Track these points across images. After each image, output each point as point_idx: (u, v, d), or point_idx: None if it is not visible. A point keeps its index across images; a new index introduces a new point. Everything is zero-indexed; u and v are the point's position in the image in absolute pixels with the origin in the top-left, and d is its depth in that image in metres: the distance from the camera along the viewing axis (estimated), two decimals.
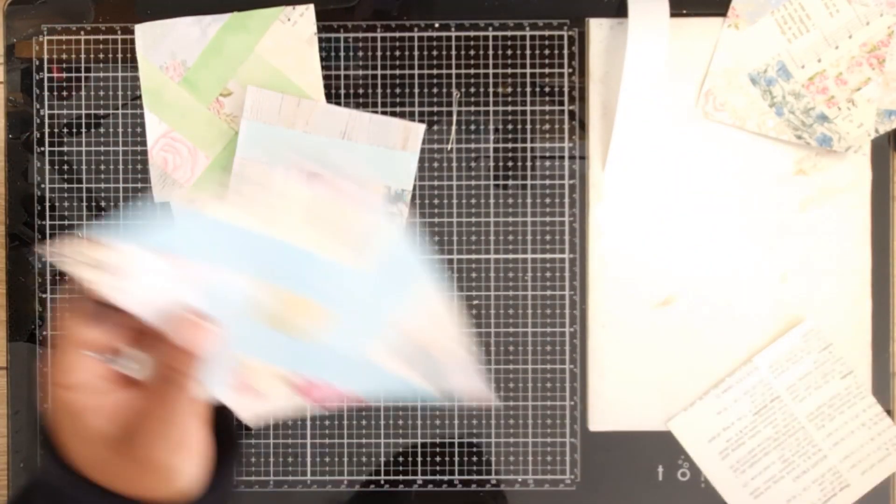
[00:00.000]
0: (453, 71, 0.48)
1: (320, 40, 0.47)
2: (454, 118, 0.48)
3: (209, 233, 0.31)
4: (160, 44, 0.47)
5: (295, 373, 0.34)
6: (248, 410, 0.35)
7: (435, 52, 0.48)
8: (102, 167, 0.48)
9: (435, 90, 0.48)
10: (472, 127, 0.48)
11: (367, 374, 0.35)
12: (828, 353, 0.47)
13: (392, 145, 0.47)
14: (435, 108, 0.48)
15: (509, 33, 0.48)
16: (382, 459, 0.48)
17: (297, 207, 0.32)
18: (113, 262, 0.30)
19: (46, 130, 0.48)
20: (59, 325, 0.31)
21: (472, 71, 0.48)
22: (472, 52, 0.48)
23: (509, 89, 0.48)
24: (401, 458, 0.48)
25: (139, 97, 0.47)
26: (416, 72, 0.48)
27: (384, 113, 0.47)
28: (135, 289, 0.30)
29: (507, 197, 0.48)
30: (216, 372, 0.33)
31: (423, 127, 0.47)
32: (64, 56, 0.48)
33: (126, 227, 0.30)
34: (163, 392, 0.29)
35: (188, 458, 0.30)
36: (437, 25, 0.48)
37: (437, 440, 0.48)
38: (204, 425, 0.31)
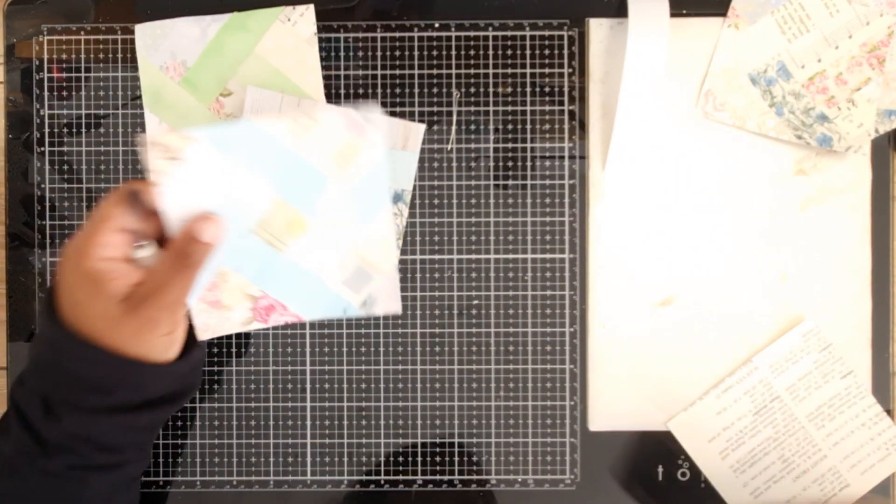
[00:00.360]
0: (453, 71, 0.48)
1: (320, 40, 0.47)
2: (454, 118, 0.48)
3: (254, 141, 0.37)
4: (160, 44, 0.47)
5: (258, 288, 0.41)
6: (204, 323, 0.41)
7: (435, 52, 0.48)
8: (102, 167, 0.48)
9: (435, 90, 0.48)
10: (472, 127, 0.48)
11: (313, 293, 0.41)
12: (828, 354, 0.47)
13: (392, 145, 0.47)
14: (435, 108, 0.48)
15: (509, 33, 0.48)
16: (382, 459, 0.48)
17: (318, 129, 0.38)
18: (181, 150, 0.36)
19: (46, 130, 0.48)
20: (102, 206, 0.35)
21: (472, 71, 0.48)
22: (472, 52, 0.48)
23: (509, 89, 0.48)
24: (401, 458, 0.48)
25: (139, 97, 0.47)
26: (416, 72, 0.48)
27: (384, 113, 0.47)
28: (182, 181, 0.36)
29: (507, 197, 0.48)
30: (198, 280, 0.38)
31: (423, 127, 0.47)
32: (64, 56, 0.48)
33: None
34: (177, 267, 0.35)
35: (178, 326, 0.37)
36: (437, 25, 0.48)
37: (437, 440, 0.48)
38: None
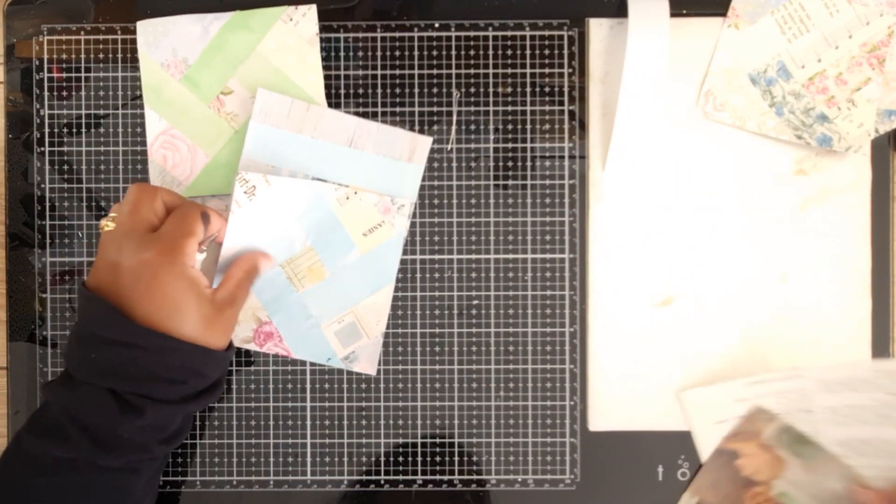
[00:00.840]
0: (453, 71, 0.48)
1: (320, 40, 0.47)
2: (454, 118, 0.48)
3: (309, 197, 0.46)
4: (161, 41, 0.47)
5: (267, 315, 0.47)
6: None
7: (435, 52, 0.48)
8: (102, 167, 0.48)
9: (435, 90, 0.48)
10: (472, 127, 0.48)
11: (308, 335, 0.47)
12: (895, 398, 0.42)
13: (398, 156, 0.47)
14: (435, 108, 0.48)
15: (509, 33, 0.48)
16: (382, 459, 0.48)
17: (358, 202, 0.47)
18: (258, 189, 0.46)
19: (46, 130, 0.48)
20: (187, 221, 0.41)
21: (472, 71, 0.48)
22: (472, 52, 0.48)
23: (509, 89, 0.48)
24: (400, 458, 0.48)
25: (139, 97, 0.47)
26: (416, 72, 0.48)
27: (384, 113, 0.47)
28: (248, 215, 0.45)
29: (507, 197, 0.48)
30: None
31: (430, 140, 0.47)
32: (64, 56, 0.48)
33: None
34: (246, 281, 0.43)
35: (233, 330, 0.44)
36: (437, 25, 0.48)
37: (437, 440, 0.48)
38: None
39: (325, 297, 0.47)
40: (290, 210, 0.46)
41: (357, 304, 0.47)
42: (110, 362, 0.39)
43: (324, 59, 0.47)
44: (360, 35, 0.48)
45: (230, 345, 0.44)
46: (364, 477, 0.48)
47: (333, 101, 0.47)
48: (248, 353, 0.48)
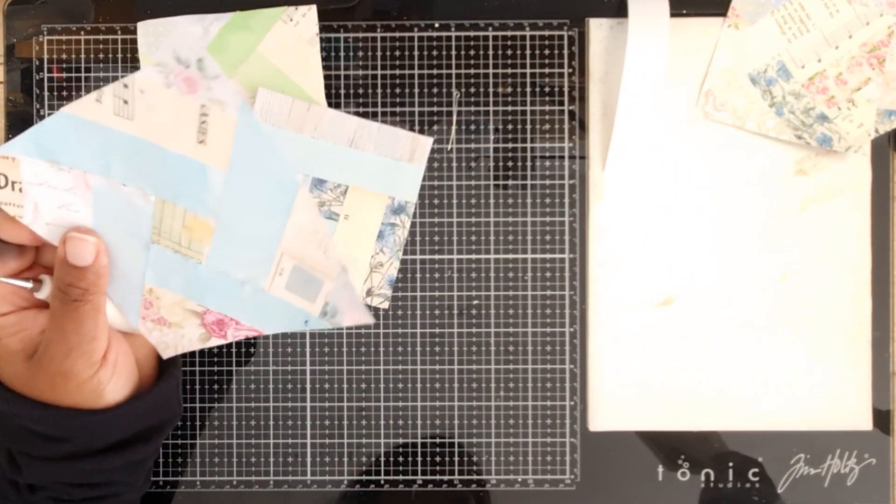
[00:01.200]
0: (453, 71, 0.48)
1: (320, 40, 0.47)
2: (454, 118, 0.48)
3: (99, 141, 0.31)
4: (162, 42, 0.47)
5: (199, 304, 0.36)
6: (161, 341, 0.37)
7: (435, 52, 0.48)
8: None
9: (435, 90, 0.48)
10: (472, 127, 0.48)
11: (260, 303, 0.36)
12: None
13: (399, 156, 0.47)
14: (435, 108, 0.48)
15: (509, 33, 0.48)
16: (382, 459, 0.48)
17: (144, 99, 0.31)
18: (15, 177, 0.30)
19: None
20: None
21: (472, 71, 0.48)
22: (472, 52, 0.48)
23: (509, 89, 0.48)
24: (400, 458, 0.48)
25: None
26: (416, 72, 0.48)
27: (384, 113, 0.47)
28: (35, 207, 0.31)
29: (507, 197, 0.48)
30: (128, 300, 0.35)
31: (431, 140, 0.47)
32: (64, 56, 0.48)
33: (26, 140, 0.31)
34: (63, 306, 0.31)
35: (103, 366, 0.33)
36: (437, 25, 0.48)
37: (437, 440, 0.48)
38: (118, 338, 0.35)
39: (236, 252, 0.35)
40: (79, 167, 0.32)
41: (279, 240, 0.35)
42: None
43: (324, 59, 0.47)
44: (360, 35, 0.48)
45: (157, 383, 0.36)
46: (364, 477, 0.48)
47: (333, 101, 0.47)
48: (247, 353, 0.48)
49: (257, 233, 0.34)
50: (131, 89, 0.30)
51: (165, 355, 0.38)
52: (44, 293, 0.33)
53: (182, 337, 0.37)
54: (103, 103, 0.30)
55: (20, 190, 0.31)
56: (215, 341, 0.38)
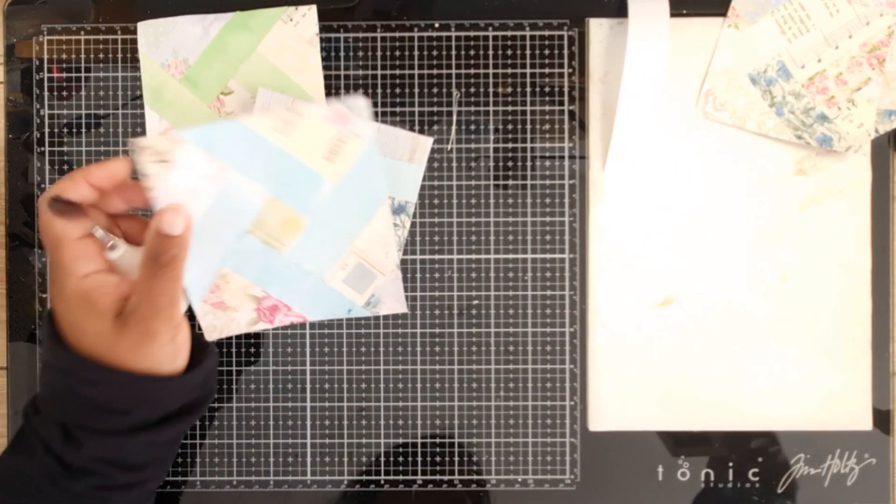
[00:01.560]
0: (453, 71, 0.48)
1: (320, 40, 0.47)
2: (454, 118, 0.48)
3: (241, 139, 0.37)
4: (162, 42, 0.47)
5: (262, 290, 0.41)
6: (211, 324, 0.42)
7: (435, 52, 0.48)
8: None
9: (435, 90, 0.48)
10: (472, 127, 0.48)
11: (316, 293, 0.42)
12: None
13: (399, 156, 0.47)
14: (435, 108, 0.48)
15: (509, 33, 0.48)
16: (382, 459, 0.48)
17: (303, 123, 0.37)
18: (170, 153, 0.36)
19: (46, 130, 0.48)
20: (42, 226, 0.35)
21: (472, 71, 0.48)
22: (472, 52, 0.48)
23: (509, 89, 0.48)
24: (400, 458, 0.48)
25: (139, 97, 0.47)
26: (416, 72, 0.48)
27: (384, 113, 0.47)
28: (168, 183, 0.36)
29: (507, 197, 0.48)
30: (200, 283, 0.39)
31: (431, 140, 0.47)
32: (64, 56, 0.48)
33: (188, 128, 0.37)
34: (153, 272, 0.34)
35: (179, 332, 0.35)
36: (437, 25, 0.48)
37: (437, 440, 0.48)
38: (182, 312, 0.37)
39: (315, 247, 0.40)
40: (225, 164, 0.37)
41: (354, 241, 0.41)
42: (54, 389, 0.35)
43: (324, 59, 0.47)
44: (360, 35, 0.48)
45: (203, 358, 0.38)
46: (364, 477, 0.48)
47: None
48: (248, 353, 0.48)
49: (337, 233, 0.41)
50: (297, 114, 0.37)
51: (210, 337, 0.42)
52: (116, 254, 0.36)
53: (232, 321, 0.42)
54: (270, 119, 0.37)
55: (166, 167, 0.36)
56: (261, 326, 0.43)
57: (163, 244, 0.34)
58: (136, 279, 0.34)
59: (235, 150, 0.37)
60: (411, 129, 0.47)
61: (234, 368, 0.48)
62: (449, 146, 0.48)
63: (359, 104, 0.37)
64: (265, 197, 0.38)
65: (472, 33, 0.48)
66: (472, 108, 0.48)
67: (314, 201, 0.39)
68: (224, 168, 0.37)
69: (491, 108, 0.48)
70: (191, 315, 0.42)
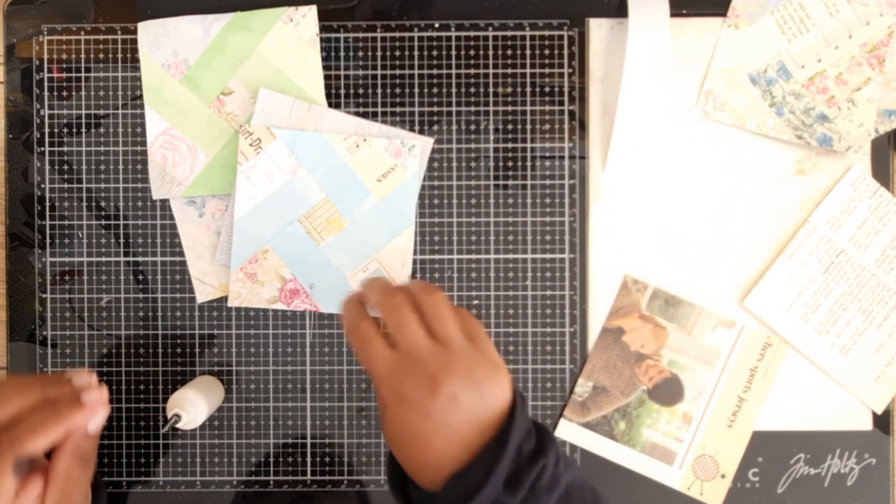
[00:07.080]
0: (453, 71, 0.48)
1: (320, 41, 0.47)
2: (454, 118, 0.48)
3: (319, 148, 0.46)
4: (162, 42, 0.47)
5: (290, 272, 0.47)
6: (237, 291, 0.47)
7: (435, 52, 0.48)
8: (102, 167, 0.48)
9: (435, 90, 0.48)
10: (472, 127, 0.48)
11: (334, 287, 0.48)
12: (879, 197, 0.47)
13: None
14: (435, 108, 0.48)
15: (509, 33, 0.48)
16: (382, 459, 0.48)
17: (368, 149, 0.47)
18: (263, 141, 0.46)
19: (46, 130, 0.48)
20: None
21: (472, 71, 0.48)
22: (472, 52, 0.48)
23: (509, 89, 0.48)
24: None
25: (139, 97, 0.47)
26: (416, 72, 0.48)
27: (384, 113, 0.47)
28: (255, 165, 0.46)
29: (507, 197, 0.48)
30: (243, 252, 0.47)
31: (431, 140, 0.47)
32: (64, 56, 0.48)
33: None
34: (83, 468, 0.35)
35: None
36: (437, 25, 0.48)
37: None
38: None
39: (347, 248, 0.47)
40: (300, 163, 0.46)
41: (379, 250, 0.47)
42: None
43: (324, 59, 0.47)
44: (360, 35, 0.48)
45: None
46: (363, 477, 0.48)
47: (333, 101, 0.47)
48: (248, 353, 0.48)
49: (368, 240, 0.47)
50: (367, 141, 0.47)
51: (232, 304, 0.48)
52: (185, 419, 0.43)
53: (256, 294, 0.47)
54: (346, 140, 0.46)
55: (257, 152, 0.46)
56: (279, 306, 0.48)
57: (93, 443, 0.35)
58: (59, 482, 0.34)
59: (312, 154, 0.46)
60: (411, 129, 0.47)
61: (234, 368, 0.48)
62: (448, 146, 0.48)
63: (417, 145, 0.46)
64: (321, 196, 0.47)
65: (471, 33, 0.48)
66: (472, 108, 0.48)
67: (358, 210, 0.47)
68: (297, 165, 0.46)
69: (491, 108, 0.48)
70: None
